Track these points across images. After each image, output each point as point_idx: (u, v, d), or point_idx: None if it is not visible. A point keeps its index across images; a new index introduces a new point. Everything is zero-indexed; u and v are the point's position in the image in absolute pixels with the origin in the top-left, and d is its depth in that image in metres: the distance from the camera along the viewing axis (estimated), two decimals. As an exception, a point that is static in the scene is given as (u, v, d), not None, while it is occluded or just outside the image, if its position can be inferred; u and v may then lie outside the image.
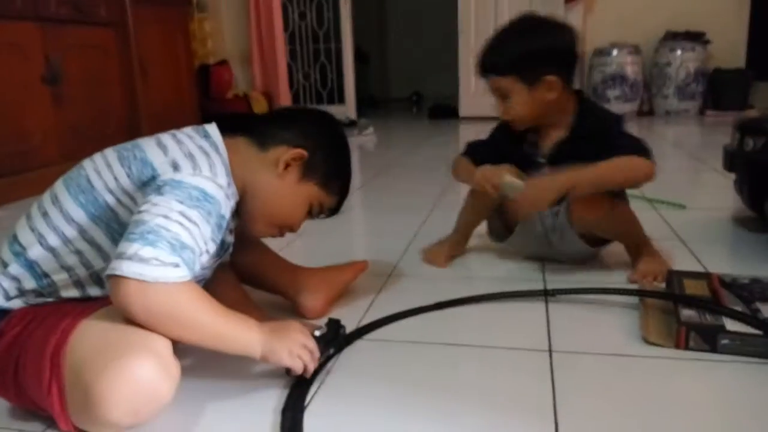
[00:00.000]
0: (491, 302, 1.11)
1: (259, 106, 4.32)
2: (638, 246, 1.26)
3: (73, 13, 2.63)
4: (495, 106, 1.25)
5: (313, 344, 0.84)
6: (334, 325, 0.94)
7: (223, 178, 0.82)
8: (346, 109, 4.54)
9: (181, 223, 0.73)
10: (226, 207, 0.83)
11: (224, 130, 0.91)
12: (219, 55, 4.52)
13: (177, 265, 0.71)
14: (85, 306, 0.77)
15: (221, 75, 4.25)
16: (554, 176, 1.13)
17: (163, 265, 0.69)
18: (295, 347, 0.81)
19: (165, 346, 0.72)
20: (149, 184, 0.78)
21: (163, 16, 3.28)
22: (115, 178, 0.81)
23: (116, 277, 0.69)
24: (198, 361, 0.94)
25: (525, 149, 1.27)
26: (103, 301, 0.79)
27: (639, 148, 1.14)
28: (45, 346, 0.71)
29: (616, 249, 1.30)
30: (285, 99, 4.57)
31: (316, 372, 0.86)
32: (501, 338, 0.99)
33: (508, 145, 1.28)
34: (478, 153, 1.30)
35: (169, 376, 0.70)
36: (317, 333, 0.89)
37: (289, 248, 1.52)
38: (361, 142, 3.70)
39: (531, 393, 0.82)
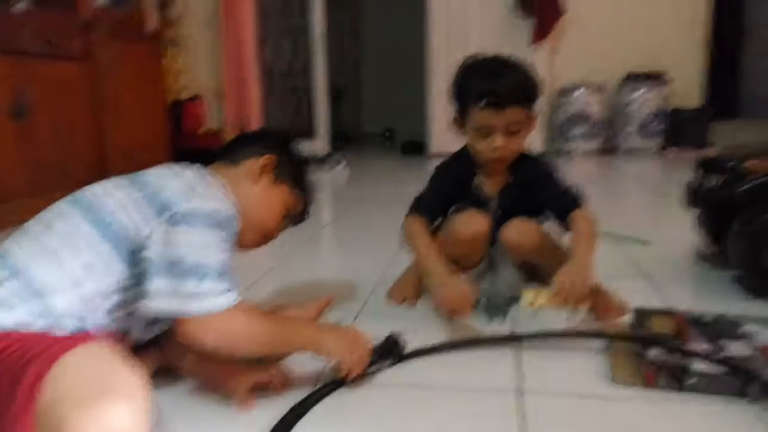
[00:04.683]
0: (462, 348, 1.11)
1: (232, 141, 4.30)
2: None
3: (45, 46, 2.61)
4: (481, 141, 1.20)
5: (364, 350, 0.94)
6: (393, 339, 1.02)
7: (230, 197, 0.92)
8: (319, 144, 4.56)
9: (216, 251, 0.82)
10: (237, 224, 0.92)
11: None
12: (192, 91, 4.52)
13: (229, 290, 0.81)
14: (70, 339, 0.75)
15: (194, 110, 4.25)
16: (578, 263, 1.10)
17: (218, 294, 0.80)
18: (346, 348, 0.92)
19: (143, 393, 0.71)
20: (167, 208, 0.84)
21: (135, 52, 3.28)
22: (128, 200, 0.86)
23: (180, 317, 0.79)
24: (180, 390, 0.92)
25: (472, 191, 1.29)
26: (88, 336, 0.78)
27: (579, 198, 1.24)
28: (22, 375, 0.68)
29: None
30: (257, 134, 4.56)
31: (359, 377, 0.94)
32: (471, 380, 0.98)
33: (454, 190, 1.30)
34: (429, 210, 1.27)
35: (143, 426, 0.69)
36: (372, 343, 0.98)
37: (260, 283, 1.51)
38: (334, 177, 3.71)
39: (503, 435, 0.82)
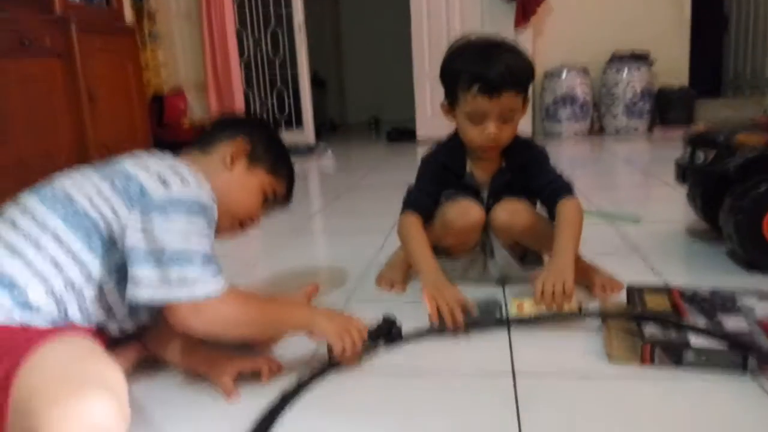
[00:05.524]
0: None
1: (215, 134, 4.25)
2: None
3: (16, 44, 2.53)
4: (472, 128, 1.15)
5: (358, 333, 0.92)
6: (388, 322, 1.02)
7: (207, 185, 0.89)
8: (304, 134, 4.51)
9: (198, 237, 0.80)
10: (215, 211, 0.88)
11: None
12: (173, 84, 4.45)
13: (215, 275, 0.80)
14: (43, 333, 0.73)
15: (175, 104, 4.18)
16: (558, 263, 1.07)
17: (205, 281, 0.78)
18: (341, 329, 0.90)
19: (122, 386, 0.69)
20: (141, 198, 0.81)
21: (112, 46, 3.20)
22: (99, 191, 0.83)
23: (171, 304, 0.77)
24: (164, 381, 0.88)
25: (466, 180, 1.24)
26: (63, 330, 0.75)
27: (568, 187, 1.20)
28: None
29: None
30: (242, 126, 4.51)
31: (353, 359, 0.94)
32: (463, 364, 0.96)
33: (444, 179, 1.24)
34: (422, 205, 1.23)
35: (123, 420, 0.66)
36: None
37: (247, 274, 1.48)
38: (320, 166, 3.67)
39: (496, 417, 0.79)
